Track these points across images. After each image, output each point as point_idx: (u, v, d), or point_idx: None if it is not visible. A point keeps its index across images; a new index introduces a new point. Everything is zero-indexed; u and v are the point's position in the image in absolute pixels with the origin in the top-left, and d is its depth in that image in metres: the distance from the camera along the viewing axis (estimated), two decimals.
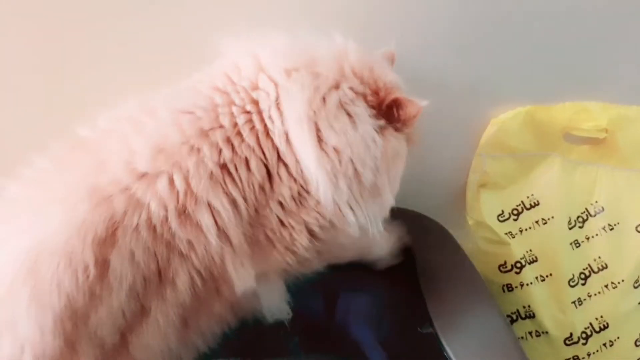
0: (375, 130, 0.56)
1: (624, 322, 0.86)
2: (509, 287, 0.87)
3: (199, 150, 0.52)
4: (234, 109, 0.54)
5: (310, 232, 0.58)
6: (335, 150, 0.54)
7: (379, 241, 0.68)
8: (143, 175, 0.51)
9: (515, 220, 0.86)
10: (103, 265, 0.48)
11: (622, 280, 0.85)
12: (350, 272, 0.76)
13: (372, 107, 0.57)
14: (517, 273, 0.86)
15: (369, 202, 0.58)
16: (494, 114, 0.81)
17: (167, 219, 0.50)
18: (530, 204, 0.85)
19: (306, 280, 0.68)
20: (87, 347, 0.49)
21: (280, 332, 0.87)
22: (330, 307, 0.88)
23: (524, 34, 0.77)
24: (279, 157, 0.54)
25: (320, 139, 0.54)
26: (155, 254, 0.51)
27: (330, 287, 0.83)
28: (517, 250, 0.85)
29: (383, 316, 0.85)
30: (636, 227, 0.85)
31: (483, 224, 0.86)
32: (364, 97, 0.57)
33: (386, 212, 0.62)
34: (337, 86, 0.56)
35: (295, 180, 0.55)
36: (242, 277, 0.55)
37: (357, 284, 0.81)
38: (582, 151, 0.85)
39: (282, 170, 0.54)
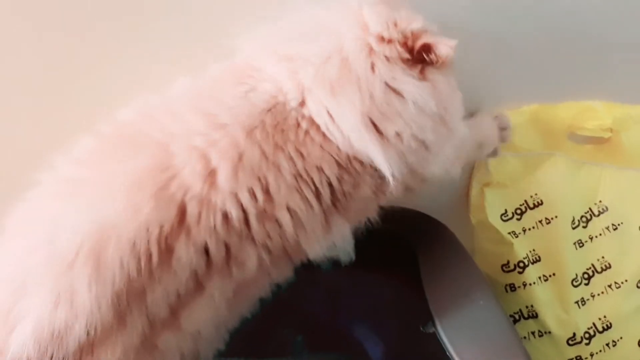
0: (422, 88, 0.59)
1: (627, 322, 0.86)
2: (512, 287, 0.87)
3: (278, 165, 0.56)
4: (294, 125, 0.58)
5: (404, 189, 0.64)
6: (397, 135, 0.58)
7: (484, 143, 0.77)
8: (222, 190, 0.54)
9: (518, 219, 0.86)
10: (167, 252, 0.52)
11: (626, 280, 0.85)
12: (354, 272, 0.76)
13: (407, 60, 0.59)
14: (520, 273, 0.85)
15: (441, 150, 0.63)
16: (498, 112, 0.80)
17: (247, 220, 0.55)
18: (534, 204, 0.85)
19: (310, 281, 0.68)
20: (137, 320, 0.52)
21: (285, 330, 0.89)
22: (334, 306, 0.89)
23: (528, 33, 0.76)
24: (349, 156, 0.58)
25: (380, 134, 0.58)
26: (227, 244, 0.55)
27: (334, 287, 0.84)
28: (520, 249, 0.85)
29: (386, 315, 0.86)
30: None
31: (486, 223, 0.85)
32: (399, 57, 0.58)
33: (462, 140, 0.66)
34: (372, 68, 0.57)
35: (371, 166, 0.60)
36: (315, 252, 0.61)
37: (360, 284, 0.81)
38: (587, 151, 0.85)
39: (357, 164, 0.59)
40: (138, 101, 0.62)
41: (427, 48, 0.58)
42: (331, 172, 0.58)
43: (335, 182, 0.59)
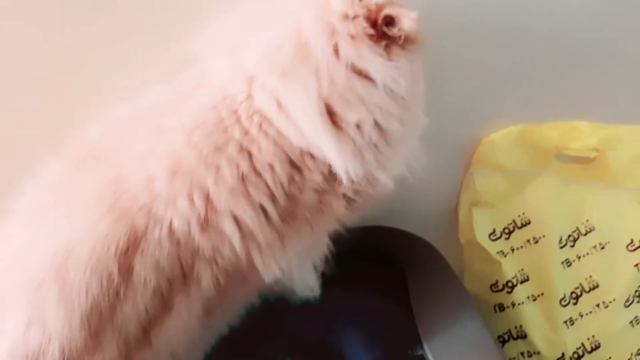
0: (391, 67, 0.54)
1: (615, 342, 0.86)
2: (501, 307, 0.87)
3: (217, 167, 0.52)
4: (243, 120, 0.54)
5: (348, 200, 0.58)
6: (357, 125, 0.54)
7: None
8: (162, 197, 0.52)
9: (506, 239, 0.86)
10: (127, 270, 0.51)
11: (614, 300, 0.85)
12: (344, 293, 0.76)
13: (372, 36, 0.54)
14: (508, 292, 0.85)
15: (405, 143, 0.59)
16: (485, 133, 0.81)
17: (190, 231, 0.52)
18: (522, 223, 0.85)
19: (302, 302, 0.68)
20: (111, 340, 0.52)
21: (273, 351, 0.88)
22: (323, 326, 0.88)
23: (514, 54, 0.77)
24: (302, 151, 0.54)
25: (337, 125, 0.53)
26: (180, 259, 0.53)
27: (324, 307, 0.83)
28: (508, 269, 0.85)
29: (375, 337, 0.85)
30: (626, 246, 0.85)
31: (475, 242, 0.85)
32: (364, 33, 0.53)
33: (420, 132, 0.61)
34: (336, 50, 0.53)
35: (324, 163, 0.55)
36: (271, 268, 0.56)
37: (349, 305, 0.80)
38: (573, 170, 0.86)
39: (309, 160, 0.55)
40: (102, 116, 0.60)
41: (389, 20, 0.53)
42: (283, 171, 0.54)
43: (285, 183, 0.54)
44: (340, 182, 0.55)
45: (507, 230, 0.86)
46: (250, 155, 0.53)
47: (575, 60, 0.80)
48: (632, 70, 0.82)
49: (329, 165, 0.55)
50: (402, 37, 0.54)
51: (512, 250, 0.86)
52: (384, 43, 0.53)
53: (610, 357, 0.86)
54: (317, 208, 0.57)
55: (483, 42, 0.75)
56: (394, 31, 0.53)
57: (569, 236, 0.86)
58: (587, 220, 0.86)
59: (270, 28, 0.55)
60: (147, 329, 0.53)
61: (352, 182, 0.55)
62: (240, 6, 0.59)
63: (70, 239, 0.51)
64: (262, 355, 0.83)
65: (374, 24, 0.53)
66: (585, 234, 0.86)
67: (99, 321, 0.51)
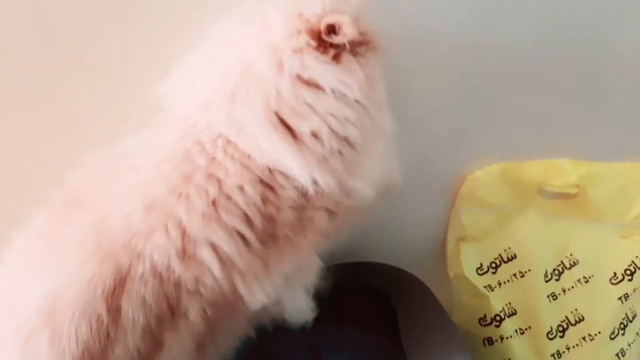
0: (339, 72, 0.54)
1: None
2: (490, 341, 0.87)
3: (187, 195, 0.53)
4: (206, 146, 0.55)
5: (330, 213, 0.58)
6: (314, 134, 0.53)
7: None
8: (139, 232, 0.53)
9: (493, 273, 0.87)
10: (115, 311, 0.52)
11: (599, 332, 0.86)
12: (335, 327, 0.76)
13: (317, 47, 0.54)
14: (497, 326, 0.86)
15: (370, 148, 0.57)
16: (469, 170, 0.84)
17: (170, 264, 0.53)
18: (508, 257, 0.87)
19: (292, 332, 0.68)
20: None
21: None
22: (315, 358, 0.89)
23: (497, 96, 0.81)
24: (270, 170, 0.54)
25: (294, 135, 0.53)
26: (165, 294, 0.53)
27: (315, 341, 0.84)
28: (496, 303, 0.86)
29: None
30: (610, 279, 0.87)
31: (463, 277, 0.87)
32: (308, 46, 0.53)
33: (390, 139, 0.60)
34: (280, 66, 0.53)
35: (291, 177, 0.55)
36: (256, 295, 0.56)
37: (342, 341, 0.81)
38: (557, 205, 0.88)
39: (280, 178, 0.55)
40: (83, 164, 0.61)
41: (331, 28, 0.53)
42: (254, 191, 0.54)
43: (259, 203, 0.54)
44: (319, 196, 0.55)
45: (493, 265, 0.87)
46: (218, 180, 0.54)
47: (555, 101, 0.83)
48: (609, 111, 0.86)
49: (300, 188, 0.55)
50: (348, 43, 0.53)
51: (499, 284, 0.87)
52: (332, 52, 0.54)
53: None
54: (298, 225, 0.57)
55: (467, 86, 0.79)
56: (338, 39, 0.53)
57: (554, 270, 0.87)
58: (571, 254, 0.88)
59: (220, 58, 0.57)
60: None
61: (324, 193, 0.55)
62: (196, 45, 0.60)
63: (58, 284, 0.52)
64: None
65: (318, 36, 0.53)
66: (570, 268, 0.87)
67: None
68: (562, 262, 0.88)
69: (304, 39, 0.53)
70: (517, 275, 0.87)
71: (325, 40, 0.53)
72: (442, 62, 0.77)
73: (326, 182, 0.54)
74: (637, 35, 0.81)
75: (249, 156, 0.54)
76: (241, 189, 0.54)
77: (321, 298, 0.67)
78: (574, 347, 0.87)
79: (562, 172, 0.85)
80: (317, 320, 0.68)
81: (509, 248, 0.87)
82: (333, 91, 0.53)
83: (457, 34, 0.75)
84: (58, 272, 0.53)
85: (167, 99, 0.60)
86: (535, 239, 0.87)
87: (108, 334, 0.51)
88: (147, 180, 0.55)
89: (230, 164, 0.54)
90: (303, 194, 0.55)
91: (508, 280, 0.87)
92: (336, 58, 0.54)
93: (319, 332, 0.76)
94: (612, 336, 0.87)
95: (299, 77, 0.53)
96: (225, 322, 0.58)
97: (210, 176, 0.54)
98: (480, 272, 0.87)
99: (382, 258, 0.81)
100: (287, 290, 0.60)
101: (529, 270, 0.86)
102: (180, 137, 0.56)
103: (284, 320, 0.64)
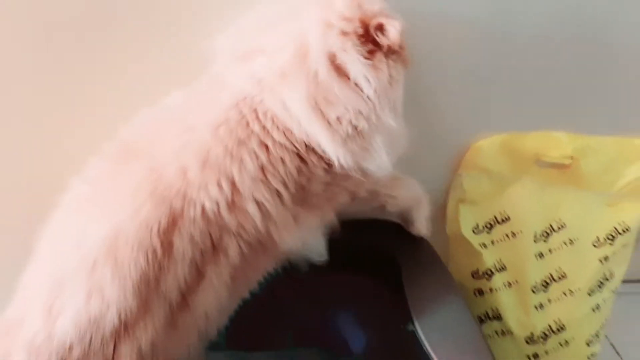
0: (366, 66, 0.61)
1: (578, 325, 0.97)
2: (480, 292, 0.98)
3: (241, 159, 0.61)
4: (260, 117, 0.63)
5: (351, 194, 0.69)
6: (338, 119, 0.62)
7: (417, 205, 0.82)
8: (195, 184, 0.61)
9: (488, 232, 0.96)
10: (168, 246, 0.60)
11: (579, 289, 0.95)
12: (342, 277, 0.85)
13: (361, 37, 0.61)
14: (487, 279, 0.96)
15: (374, 143, 0.65)
16: (474, 140, 0.91)
17: (219, 211, 0.61)
18: (502, 219, 0.95)
19: (301, 285, 0.77)
20: (158, 305, 0.61)
21: (278, 328, 0.98)
22: (323, 307, 0.96)
23: (503, 71, 0.87)
24: (306, 145, 0.63)
25: (323, 117, 0.62)
26: (210, 234, 0.62)
27: (324, 290, 0.91)
28: (488, 259, 0.96)
29: (371, 318, 0.95)
30: (593, 243, 0.95)
31: (460, 235, 0.96)
32: (354, 33, 0.61)
33: (398, 138, 0.67)
34: (327, 47, 0.60)
35: (323, 159, 0.64)
36: (286, 242, 0.66)
37: (347, 287, 0.89)
38: (550, 174, 0.95)
39: (312, 155, 0.64)
40: (135, 117, 0.69)
41: (380, 27, 0.61)
42: (293, 163, 0.63)
43: (295, 173, 0.63)
44: (339, 176, 0.65)
45: (488, 225, 0.96)
46: (267, 148, 0.62)
47: (556, 79, 0.90)
48: (605, 89, 0.92)
49: (328, 161, 0.64)
50: (387, 47, 0.62)
51: (492, 242, 0.96)
52: (369, 47, 0.62)
53: (573, 338, 0.97)
54: (324, 197, 0.68)
55: (475, 64, 0.85)
56: (382, 39, 0.61)
57: (543, 232, 0.95)
58: (559, 219, 0.95)
59: (275, 31, 0.64)
60: (185, 295, 0.63)
61: (345, 172, 0.64)
62: (255, 9, 0.67)
63: (118, 224, 0.60)
64: (269, 332, 0.92)
65: (366, 28, 0.61)
66: (557, 231, 0.95)
67: (147, 290, 0.60)
68: (550, 225, 0.95)
69: (354, 25, 0.61)
70: (509, 235, 0.95)
71: (370, 34, 0.61)
72: (452, 42, 0.82)
73: (347, 160, 0.63)
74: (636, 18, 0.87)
75: (291, 131, 0.62)
76: (283, 158, 0.62)
77: (330, 250, 0.74)
78: (555, 300, 0.96)
79: (559, 144, 0.92)
80: (325, 273, 0.76)
81: (504, 211, 0.95)
82: (355, 83, 0.61)
83: (467, 14, 0.81)
84: (117, 213, 0.61)
85: (219, 59, 0.68)
86: (529, 203, 0.95)
87: (161, 265, 0.60)
88: (203, 140, 0.62)
89: (276, 135, 0.62)
90: (329, 172, 0.65)
91: (500, 240, 0.96)
92: (371, 53, 0.62)
93: (327, 286, 0.84)
94: (590, 292, 0.96)
95: (333, 60, 0.60)
96: (257, 260, 0.67)
97: (261, 144, 0.62)
98: (476, 231, 0.96)
99: (387, 216, 0.89)
100: (309, 237, 0.69)
101: (521, 231, 0.95)
102: (234, 104, 0.63)
103: (305, 259, 0.72)
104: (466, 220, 0.96)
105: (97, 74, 0.79)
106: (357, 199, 0.73)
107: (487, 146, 0.91)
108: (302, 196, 0.65)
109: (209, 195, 0.61)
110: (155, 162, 0.63)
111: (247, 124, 0.62)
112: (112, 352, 0.60)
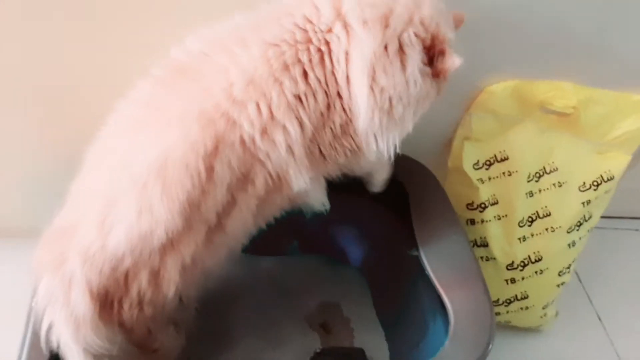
0: (420, 74, 0.68)
1: (554, 258, 1.07)
2: (472, 222, 1.07)
3: (281, 82, 0.65)
4: (311, 47, 0.66)
5: (345, 154, 0.74)
6: (382, 89, 0.67)
7: (381, 170, 0.87)
8: (238, 102, 0.64)
9: (487, 169, 1.03)
10: (210, 170, 0.64)
11: (560, 227, 1.04)
12: (349, 202, 0.90)
13: (426, 51, 0.68)
14: (480, 211, 1.05)
15: (391, 132, 0.71)
16: (487, 83, 0.96)
17: (253, 136, 0.65)
18: (501, 158, 1.02)
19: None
20: (199, 224, 0.67)
21: (284, 236, 1.07)
22: (327, 224, 1.04)
23: (516, 24, 0.91)
24: (338, 92, 0.67)
25: (373, 80, 0.66)
26: (244, 161, 0.66)
27: (331, 211, 0.98)
28: (483, 193, 1.04)
29: (369, 235, 1.04)
30: (579, 187, 1.03)
31: (460, 169, 1.03)
32: (424, 41, 0.68)
33: (400, 140, 0.74)
34: (401, 33, 0.66)
35: (345, 111, 0.69)
36: (298, 181, 0.70)
37: (352, 210, 0.96)
38: (551, 120, 1.01)
39: (337, 103, 0.68)
40: (191, 36, 0.70)
41: (442, 52, 0.69)
42: (321, 102, 0.67)
43: (319, 113, 0.68)
44: (347, 134, 0.71)
45: (488, 162, 1.03)
46: (307, 79, 0.66)
47: (565, 33, 0.94)
48: (611, 45, 0.96)
49: (347, 116, 0.69)
50: (440, 70, 0.69)
51: (489, 179, 1.04)
52: (428, 67, 0.69)
53: (547, 268, 1.08)
54: (327, 148, 0.72)
55: (493, 16, 0.88)
56: (438, 62, 0.69)
57: (536, 173, 1.03)
58: (552, 162, 1.03)
59: None
60: (220, 217, 0.69)
61: (353, 140, 0.71)
62: None
63: (168, 146, 0.64)
64: (276, 239, 1.01)
65: (432, 44, 0.68)
66: (549, 173, 1.03)
67: (190, 210, 0.65)
68: (544, 167, 1.03)
69: (427, 37, 0.68)
70: (506, 173, 1.03)
71: (432, 52, 0.69)
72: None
73: (365, 122, 0.69)
74: None
75: (333, 74, 0.67)
76: (316, 94, 0.66)
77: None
78: (537, 234, 1.05)
79: (565, 94, 0.97)
80: (335, 192, 0.81)
81: (504, 150, 1.02)
82: (407, 79, 0.67)
83: None
84: (167, 134, 0.64)
85: None
86: (527, 146, 1.02)
87: (203, 187, 0.64)
88: (253, 57, 0.65)
89: (318, 71, 0.66)
90: (343, 124, 0.70)
91: (497, 177, 1.03)
92: (429, 64, 0.69)
93: (335, 203, 0.90)
94: (569, 230, 1.06)
95: (402, 51, 0.67)
96: (274, 196, 0.73)
97: (303, 73, 0.65)
98: (476, 167, 1.03)
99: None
100: (315, 186, 0.75)
101: (516, 171, 1.02)
102: (292, 29, 0.66)
103: (309, 206, 0.79)
104: (469, 157, 1.03)
105: None
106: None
107: (499, 90, 0.96)
108: (315, 140, 0.70)
109: (248, 117, 0.64)
110: (205, 81, 0.65)
111: (297, 51, 0.65)
112: (158, 263, 0.67)
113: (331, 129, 0.70)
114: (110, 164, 0.68)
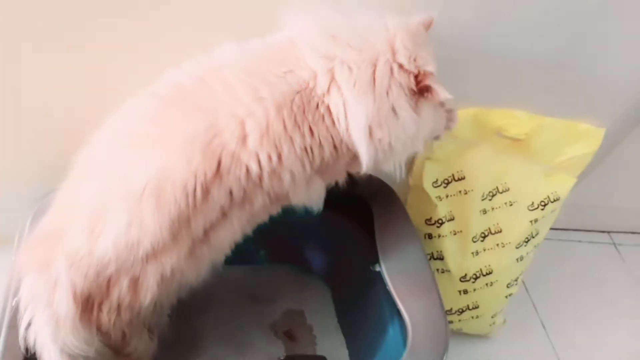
0: (413, 110, 0.74)
1: (503, 271, 1.15)
2: (430, 236, 1.13)
3: (292, 139, 0.71)
4: (315, 109, 0.72)
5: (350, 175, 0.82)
6: (380, 140, 0.74)
7: None
8: (249, 150, 0.69)
9: (444, 187, 1.09)
10: (206, 193, 0.69)
11: (509, 242, 1.11)
12: (319, 218, 0.93)
13: (411, 90, 0.73)
14: (437, 227, 1.11)
15: (395, 160, 0.79)
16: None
17: (261, 175, 0.71)
18: (458, 177, 1.08)
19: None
20: (184, 238, 0.71)
21: (252, 246, 1.11)
22: (292, 234, 1.09)
23: (475, 58, 0.98)
24: (342, 139, 0.74)
25: (371, 136, 0.73)
26: (245, 189, 0.71)
27: (300, 225, 1.01)
28: (441, 210, 1.10)
29: (334, 247, 1.09)
30: (528, 207, 1.09)
31: (421, 187, 1.09)
32: (408, 86, 0.73)
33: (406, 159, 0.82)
34: (389, 87, 0.72)
35: (351, 150, 0.75)
36: (298, 199, 0.78)
37: (319, 225, 1.01)
38: (505, 143, 1.08)
39: (344, 146, 0.75)
40: (188, 61, 0.74)
41: (428, 89, 0.74)
42: (328, 149, 0.74)
43: (327, 157, 0.74)
44: (355, 163, 0.77)
45: (446, 181, 1.09)
46: (312, 134, 0.72)
47: (521, 64, 1.01)
48: (562, 80, 1.05)
49: (354, 153, 0.75)
50: (431, 99, 0.75)
51: (447, 196, 1.10)
52: (416, 98, 0.75)
53: (497, 280, 1.15)
54: (338, 172, 0.81)
55: (458, 46, 0.94)
56: (427, 95, 0.74)
57: (490, 192, 1.09)
58: (505, 183, 1.09)
59: (356, 50, 0.72)
60: (207, 232, 0.73)
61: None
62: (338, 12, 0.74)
63: (169, 165, 0.67)
64: (244, 248, 1.04)
65: (417, 83, 0.74)
66: (502, 193, 1.09)
67: (179, 227, 0.69)
68: (497, 187, 1.09)
69: (409, 80, 0.73)
70: (462, 192, 1.09)
71: (419, 90, 0.74)
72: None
73: (369, 165, 0.75)
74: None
75: (335, 128, 0.73)
76: (322, 144, 0.73)
77: None
78: (489, 249, 1.12)
79: (519, 121, 1.04)
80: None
81: (461, 170, 1.08)
82: (404, 125, 0.74)
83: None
84: (168, 156, 0.68)
85: (292, 35, 0.75)
86: (482, 167, 1.08)
87: (197, 207, 0.69)
88: (269, 115, 0.69)
89: (322, 128, 0.72)
90: (353, 159, 0.77)
91: (454, 195, 1.10)
92: (416, 102, 0.75)
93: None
94: (518, 246, 1.13)
95: (393, 106, 0.72)
96: (270, 208, 0.79)
97: (311, 130, 0.72)
98: (435, 185, 1.09)
99: None
100: (314, 195, 0.80)
101: (472, 190, 1.09)
102: (299, 90, 0.71)
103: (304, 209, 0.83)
104: (429, 175, 1.09)
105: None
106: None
107: (460, 116, 1.00)
108: (322, 169, 0.76)
109: (257, 162, 0.70)
110: (217, 120, 0.69)
111: (304, 111, 0.71)
112: (140, 271, 0.70)
113: (343, 161, 0.77)
114: (103, 175, 0.71)
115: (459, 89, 0.97)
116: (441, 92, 0.73)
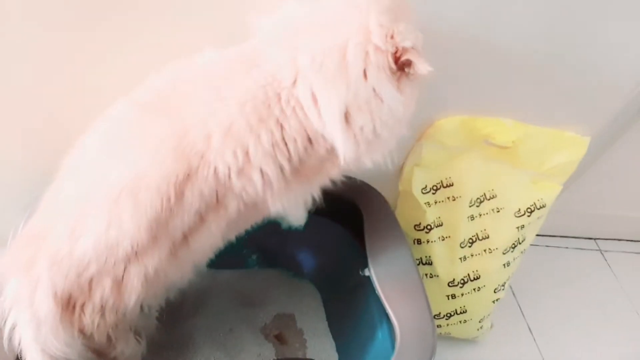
0: (397, 90, 0.70)
1: (490, 276, 1.17)
2: (419, 241, 1.15)
3: (258, 135, 0.69)
4: (282, 102, 0.70)
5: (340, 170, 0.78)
6: (361, 128, 0.70)
7: None
8: (215, 149, 0.69)
9: (433, 194, 1.12)
10: (180, 195, 0.69)
11: (496, 248, 1.14)
12: (309, 222, 0.94)
13: (392, 69, 0.69)
14: (426, 232, 1.13)
15: (383, 148, 0.75)
16: (437, 118, 1.04)
17: (229, 175, 0.70)
18: (447, 184, 1.11)
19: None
20: (164, 240, 0.71)
21: (244, 250, 1.12)
22: (284, 241, 1.12)
23: (463, 67, 0.99)
24: (317, 132, 0.71)
25: (348, 122, 0.69)
26: (217, 192, 0.71)
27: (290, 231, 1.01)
28: (430, 216, 1.12)
29: (325, 251, 1.10)
30: (514, 213, 1.12)
31: (410, 193, 1.11)
32: (387, 66, 0.69)
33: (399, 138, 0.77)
34: (365, 74, 0.68)
35: (328, 141, 0.72)
36: (276, 205, 0.76)
37: (310, 229, 0.99)
38: (493, 151, 1.09)
39: (320, 139, 0.72)
40: (167, 68, 0.75)
41: (409, 63, 0.69)
42: (302, 144, 0.71)
43: (302, 152, 0.72)
44: (335, 159, 0.74)
45: (435, 188, 1.12)
46: (282, 128, 0.70)
47: (510, 76, 1.02)
48: (549, 89, 1.06)
49: (332, 146, 0.72)
50: (413, 74, 0.70)
51: (436, 202, 1.12)
52: (398, 75, 0.70)
53: (484, 285, 1.18)
54: (317, 170, 0.77)
55: (446, 55, 0.93)
56: (409, 71, 0.70)
57: (477, 199, 1.12)
58: (492, 189, 1.12)
59: (321, 36, 0.69)
60: (186, 235, 0.73)
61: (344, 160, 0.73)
62: (306, 3, 0.72)
63: (143, 168, 0.69)
64: (235, 252, 1.06)
65: (396, 61, 0.69)
66: (489, 199, 1.12)
67: (157, 228, 0.70)
68: (484, 194, 1.12)
69: (388, 59, 0.68)
70: (450, 198, 1.12)
71: (400, 67, 0.70)
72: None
73: (350, 156, 0.72)
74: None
75: (309, 120, 0.70)
76: (294, 140, 0.71)
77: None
78: (476, 255, 1.15)
79: (506, 129, 1.06)
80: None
81: (450, 177, 1.11)
82: (389, 107, 0.70)
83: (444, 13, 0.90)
84: (142, 159, 0.69)
85: (260, 34, 0.74)
86: (470, 174, 1.11)
87: (172, 210, 0.69)
88: (230, 112, 0.69)
89: (293, 122, 0.70)
90: (329, 152, 0.74)
91: (442, 201, 1.12)
92: (399, 80, 0.71)
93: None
94: (505, 252, 1.15)
95: (374, 89, 0.69)
96: (249, 216, 0.79)
97: (278, 124, 0.70)
98: (424, 191, 1.12)
99: (352, 174, 1.01)
100: (295, 204, 0.79)
101: (460, 196, 1.11)
102: (263, 85, 0.70)
103: (287, 222, 0.84)
104: (417, 182, 1.11)
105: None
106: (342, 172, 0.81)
107: (448, 124, 1.04)
108: (300, 169, 0.74)
109: (224, 161, 0.69)
110: (183, 122, 0.70)
111: (269, 106, 0.70)
112: (122, 272, 0.71)
113: (318, 157, 0.74)
114: (85, 177, 0.72)
115: (445, 96, 1.02)
116: (421, 65, 0.68)
